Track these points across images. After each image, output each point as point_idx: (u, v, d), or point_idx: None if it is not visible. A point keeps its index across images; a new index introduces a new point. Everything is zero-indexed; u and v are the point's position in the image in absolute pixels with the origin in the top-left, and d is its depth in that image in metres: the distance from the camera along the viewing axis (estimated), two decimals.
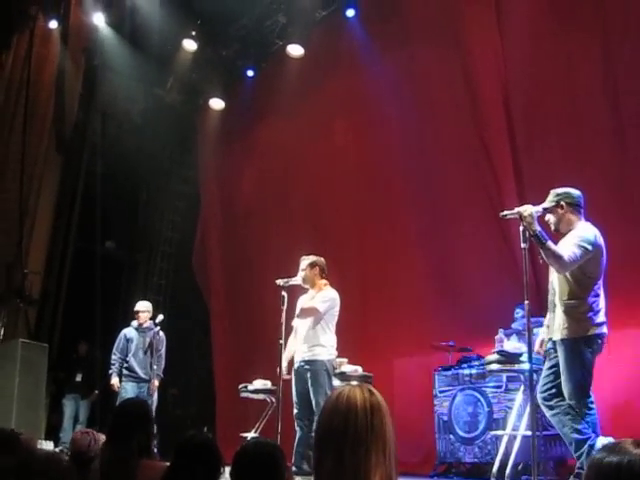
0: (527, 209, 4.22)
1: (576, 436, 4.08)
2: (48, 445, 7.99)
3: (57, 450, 8.29)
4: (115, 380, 7.68)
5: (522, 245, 4.17)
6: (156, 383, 7.64)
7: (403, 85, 8.54)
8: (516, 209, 4.27)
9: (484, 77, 7.62)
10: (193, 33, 10.26)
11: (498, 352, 5.11)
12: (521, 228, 4.18)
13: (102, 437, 3.33)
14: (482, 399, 6.38)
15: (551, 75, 6.99)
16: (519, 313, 6.50)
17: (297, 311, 5.81)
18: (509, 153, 7.25)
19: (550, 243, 4.17)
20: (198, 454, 2.51)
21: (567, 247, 4.21)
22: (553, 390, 4.27)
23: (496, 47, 7.47)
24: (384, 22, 8.92)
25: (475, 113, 7.65)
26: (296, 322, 5.90)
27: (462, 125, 7.77)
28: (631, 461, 1.42)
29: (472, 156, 7.63)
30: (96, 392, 9.33)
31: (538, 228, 4.18)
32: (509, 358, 5.01)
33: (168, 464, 2.78)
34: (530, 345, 4.21)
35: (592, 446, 3.99)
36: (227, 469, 2.61)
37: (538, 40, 7.15)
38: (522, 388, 5.11)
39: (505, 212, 4.37)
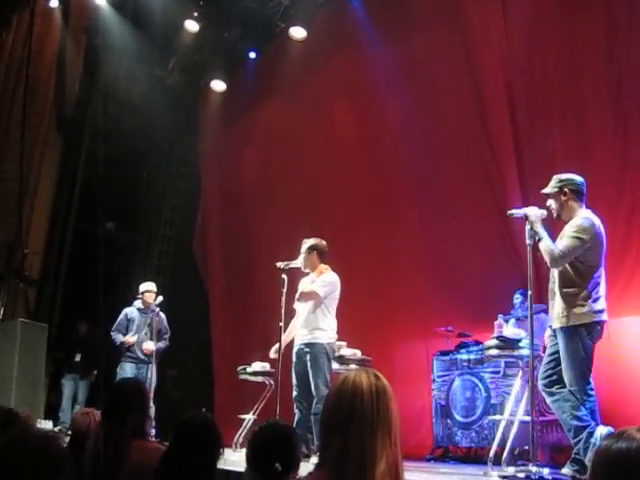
0: (533, 210, 4.34)
1: (575, 423, 4.11)
2: (47, 425, 8.03)
3: (56, 430, 8.35)
4: (128, 338, 7.62)
5: (527, 241, 4.31)
6: (151, 347, 7.57)
7: (405, 69, 8.50)
8: (523, 210, 4.40)
9: (487, 64, 7.58)
10: (195, 14, 10.19)
11: (497, 337, 5.10)
12: (527, 227, 4.31)
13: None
14: (480, 384, 6.42)
15: (554, 63, 6.96)
16: (518, 299, 6.52)
17: (297, 295, 5.82)
18: (511, 139, 7.23)
19: (545, 240, 4.25)
20: (198, 434, 2.52)
21: (561, 240, 4.26)
22: (554, 377, 4.29)
23: (499, 34, 7.43)
24: (387, 5, 8.87)
25: (477, 99, 7.63)
26: (297, 305, 5.91)
27: (464, 111, 7.75)
28: (639, 447, 1.44)
29: (474, 142, 7.61)
30: (95, 372, 9.35)
31: (540, 227, 4.29)
32: (508, 344, 5.01)
33: (162, 445, 2.80)
34: (532, 333, 4.24)
35: (591, 433, 4.02)
36: (227, 450, 2.63)
37: (542, 27, 7.11)
38: (520, 374, 5.12)
39: (512, 211, 4.51)
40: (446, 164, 7.91)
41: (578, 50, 6.76)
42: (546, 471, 4.06)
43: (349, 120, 9.35)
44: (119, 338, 7.70)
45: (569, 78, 6.81)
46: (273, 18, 10.21)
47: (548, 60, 7.02)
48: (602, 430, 3.98)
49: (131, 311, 7.90)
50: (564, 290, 4.29)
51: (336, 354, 6.02)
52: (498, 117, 7.40)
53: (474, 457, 6.50)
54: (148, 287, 7.98)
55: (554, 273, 4.42)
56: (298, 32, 9.61)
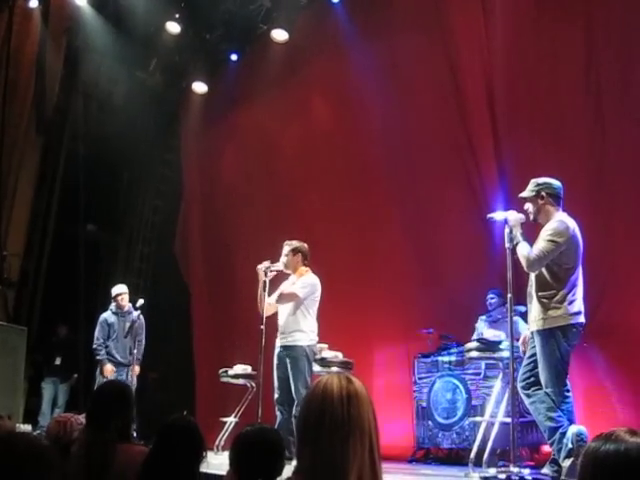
0: (512, 214, 4.43)
1: (550, 424, 4.16)
2: (26, 429, 7.95)
3: (35, 434, 8.25)
4: (109, 366, 7.59)
5: (506, 245, 4.40)
6: (137, 369, 7.61)
7: (387, 71, 8.52)
8: (502, 214, 4.49)
9: (467, 66, 7.62)
10: (177, 15, 10.13)
11: (478, 340, 5.15)
12: (507, 230, 4.39)
13: (82, 420, 3.31)
14: (461, 386, 6.45)
15: (535, 65, 7.01)
16: (493, 299, 6.55)
17: (277, 296, 5.82)
18: (491, 142, 7.27)
19: (521, 244, 4.34)
20: (181, 438, 2.51)
21: (536, 244, 4.32)
22: (531, 379, 4.34)
23: (480, 36, 7.48)
24: (369, 8, 8.90)
25: (458, 102, 7.66)
26: (271, 300, 5.88)
27: (445, 113, 7.78)
28: (628, 449, 1.45)
29: (454, 145, 7.65)
30: (75, 376, 9.28)
31: (519, 231, 4.39)
32: (488, 346, 5.06)
33: (147, 448, 2.79)
34: (512, 335, 4.29)
35: (564, 434, 4.07)
36: (208, 453, 2.62)
37: (522, 30, 7.16)
38: (500, 375, 5.17)
39: (492, 215, 4.58)
40: (427, 166, 7.94)
41: (558, 54, 6.81)
42: (527, 471, 4.10)
43: (330, 122, 9.36)
44: (102, 355, 7.65)
45: (549, 81, 6.85)
46: (255, 20, 10.17)
47: (528, 63, 7.06)
48: (573, 429, 4.03)
49: (108, 316, 7.86)
50: (540, 293, 4.34)
51: (317, 357, 6.03)
52: (479, 120, 7.44)
53: (455, 458, 6.52)
54: (120, 290, 7.96)
55: (531, 277, 4.47)
56: (280, 34, 9.62)
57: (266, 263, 5.84)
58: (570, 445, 3.98)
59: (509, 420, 4.43)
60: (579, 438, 3.92)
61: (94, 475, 2.66)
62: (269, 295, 5.80)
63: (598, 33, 6.50)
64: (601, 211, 6.22)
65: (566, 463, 3.97)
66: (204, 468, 2.70)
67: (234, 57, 10.73)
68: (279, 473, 2.34)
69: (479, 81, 7.45)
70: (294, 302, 5.75)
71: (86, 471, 2.65)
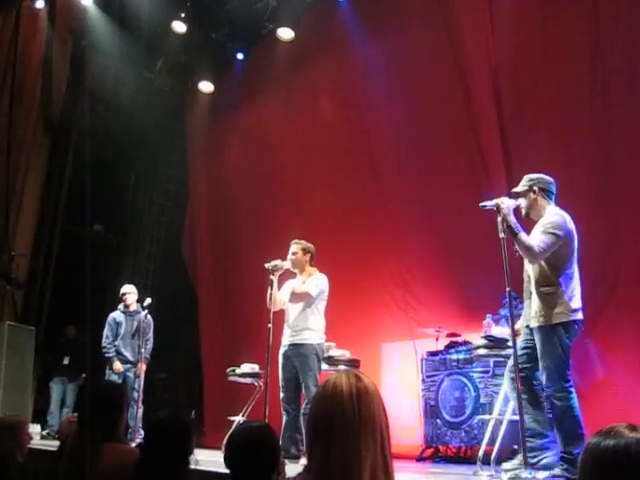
0: (504, 201, 4.30)
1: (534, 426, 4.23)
2: (35, 429, 8.00)
3: (44, 433, 8.32)
4: (117, 363, 7.63)
5: (500, 235, 4.23)
6: (143, 367, 7.62)
7: (393, 68, 8.51)
8: (494, 201, 4.33)
9: (474, 60, 7.60)
10: (182, 15, 10.14)
11: (486, 337, 5.12)
12: (499, 219, 4.25)
13: None
14: (469, 384, 6.43)
15: (541, 60, 6.99)
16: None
17: (288, 295, 5.81)
18: (498, 136, 7.25)
19: (522, 235, 4.23)
20: (165, 433, 2.51)
21: (537, 237, 4.25)
22: (521, 373, 4.28)
23: (486, 30, 7.45)
24: (375, 5, 8.88)
25: (464, 96, 7.64)
26: (282, 294, 5.88)
27: (451, 108, 7.75)
28: (627, 444, 1.43)
29: (461, 140, 7.62)
30: (83, 375, 9.30)
31: (513, 220, 4.25)
32: (496, 343, 5.03)
33: (134, 448, 2.80)
34: (514, 331, 4.24)
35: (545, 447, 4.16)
36: (216, 452, 2.61)
37: (528, 24, 7.14)
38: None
39: (485, 203, 4.41)
40: (434, 164, 7.92)
41: (564, 49, 6.79)
42: (541, 476, 4.03)
43: (336, 120, 9.34)
44: (111, 352, 7.67)
45: (555, 76, 6.83)
46: (261, 19, 10.17)
47: (534, 58, 7.04)
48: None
49: (117, 315, 7.90)
50: (541, 289, 4.29)
51: (325, 355, 6.03)
52: (485, 115, 7.41)
53: (464, 457, 6.51)
54: (125, 289, 8.00)
55: (529, 272, 4.43)
56: (286, 33, 9.61)
57: (274, 262, 5.84)
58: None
59: (517, 418, 4.39)
60: None
61: (76, 473, 2.67)
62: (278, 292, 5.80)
63: (605, 27, 6.47)
64: (608, 206, 6.19)
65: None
66: (213, 467, 2.68)
67: (240, 56, 10.75)
68: (272, 469, 2.33)
69: (486, 77, 7.42)
70: (305, 301, 5.75)
71: (70, 469, 2.67)
